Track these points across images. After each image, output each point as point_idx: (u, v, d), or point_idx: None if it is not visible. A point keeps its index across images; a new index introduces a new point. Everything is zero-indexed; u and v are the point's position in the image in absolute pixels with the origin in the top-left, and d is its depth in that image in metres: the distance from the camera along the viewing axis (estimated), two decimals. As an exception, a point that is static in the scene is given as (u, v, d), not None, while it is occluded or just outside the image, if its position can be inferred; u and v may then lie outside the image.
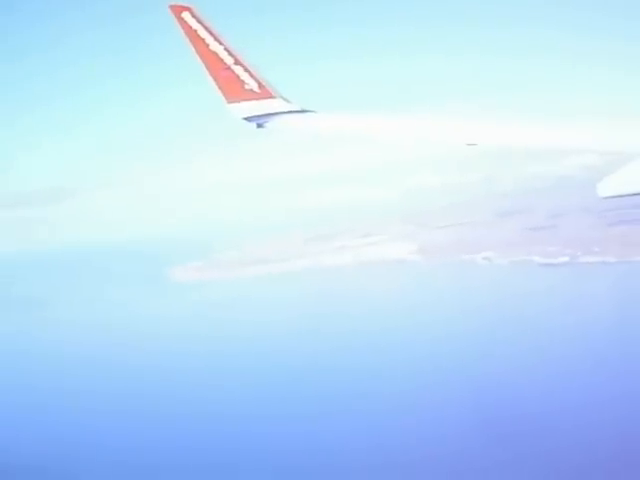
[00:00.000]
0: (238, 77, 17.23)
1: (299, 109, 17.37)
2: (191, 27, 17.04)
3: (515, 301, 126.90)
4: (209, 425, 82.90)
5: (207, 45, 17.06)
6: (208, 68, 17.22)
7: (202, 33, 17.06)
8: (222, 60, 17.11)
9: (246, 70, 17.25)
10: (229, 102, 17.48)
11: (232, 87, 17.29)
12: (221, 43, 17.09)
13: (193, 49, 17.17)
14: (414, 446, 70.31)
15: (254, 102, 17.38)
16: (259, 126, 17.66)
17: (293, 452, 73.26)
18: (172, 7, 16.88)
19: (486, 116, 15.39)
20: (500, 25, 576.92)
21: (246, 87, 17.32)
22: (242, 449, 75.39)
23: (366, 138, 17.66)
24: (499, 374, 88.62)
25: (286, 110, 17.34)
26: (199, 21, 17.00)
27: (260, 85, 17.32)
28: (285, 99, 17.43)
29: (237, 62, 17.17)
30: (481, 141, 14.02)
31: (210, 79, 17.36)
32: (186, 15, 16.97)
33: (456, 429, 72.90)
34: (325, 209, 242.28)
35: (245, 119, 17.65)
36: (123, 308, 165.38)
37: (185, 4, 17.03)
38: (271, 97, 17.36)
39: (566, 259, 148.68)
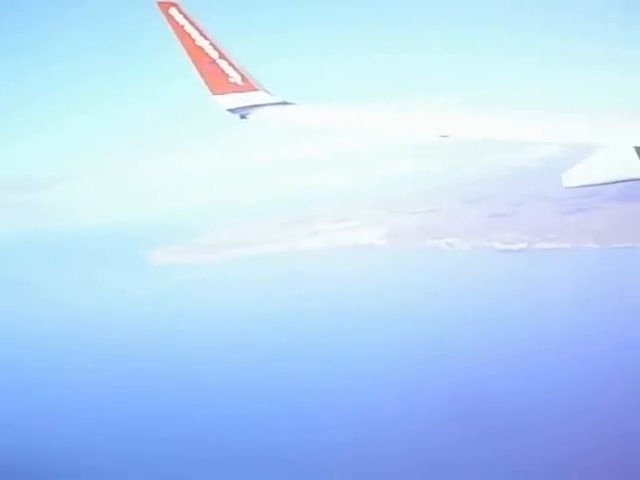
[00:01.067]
0: (223, 70, 17.40)
1: (281, 101, 17.63)
2: (178, 23, 17.16)
3: (473, 285, 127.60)
4: (187, 399, 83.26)
5: (193, 40, 17.19)
6: (194, 62, 17.36)
7: (188, 28, 17.19)
8: (207, 54, 17.26)
9: (230, 64, 17.41)
10: (214, 94, 17.66)
11: (217, 80, 17.46)
12: (206, 38, 17.23)
13: (180, 44, 17.32)
14: (382, 423, 70.78)
15: (238, 94, 17.57)
16: (242, 117, 17.87)
17: (268, 426, 73.86)
18: (160, 3, 16.96)
19: (457, 110, 15.76)
20: (473, 24, 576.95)
21: (230, 80, 17.49)
22: (217, 424, 75.85)
23: (343, 129, 17.96)
24: (458, 352, 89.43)
25: (268, 102, 17.59)
26: (185, 17, 17.12)
27: (243, 78, 17.51)
28: (267, 92, 17.65)
29: (222, 56, 17.32)
30: (452, 133, 14.37)
31: (196, 72, 17.54)
32: (173, 11, 17.09)
33: (422, 406, 73.67)
34: (302, 195, 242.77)
35: (229, 110, 17.86)
36: (106, 289, 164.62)
37: (172, 0, 17.15)
38: (254, 90, 17.57)
39: (524, 245, 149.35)
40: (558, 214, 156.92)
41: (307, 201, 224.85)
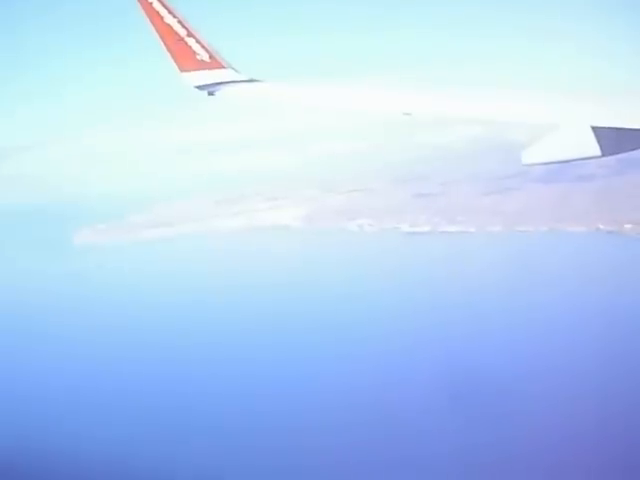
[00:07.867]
0: (190, 48, 17.64)
1: (247, 79, 18.00)
2: (147, 1, 17.31)
3: (366, 270, 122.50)
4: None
5: (162, 18, 17.37)
6: (163, 39, 17.55)
7: (157, 6, 17.36)
8: (176, 32, 17.46)
9: (198, 42, 17.68)
10: (182, 71, 17.89)
11: (185, 57, 17.69)
12: (175, 16, 17.43)
13: (149, 21, 17.46)
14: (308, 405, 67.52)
15: (206, 71, 17.86)
16: (210, 94, 18.18)
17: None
18: (129, -18, 17.09)
19: (420, 87, 16.39)
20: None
21: (198, 57, 17.75)
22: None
23: (305, 106, 18.47)
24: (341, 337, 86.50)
25: (236, 80, 17.93)
26: None
27: (211, 56, 17.80)
28: (235, 69, 17.99)
29: (190, 34, 17.56)
30: (415, 110, 14.99)
31: (165, 49, 17.72)
32: None
33: (331, 379, 72.05)
34: (236, 174, 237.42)
35: (197, 87, 18.12)
36: (29, 268, 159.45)
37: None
38: (222, 67, 17.88)
39: (428, 228, 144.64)
40: (477, 195, 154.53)
41: (244, 180, 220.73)
